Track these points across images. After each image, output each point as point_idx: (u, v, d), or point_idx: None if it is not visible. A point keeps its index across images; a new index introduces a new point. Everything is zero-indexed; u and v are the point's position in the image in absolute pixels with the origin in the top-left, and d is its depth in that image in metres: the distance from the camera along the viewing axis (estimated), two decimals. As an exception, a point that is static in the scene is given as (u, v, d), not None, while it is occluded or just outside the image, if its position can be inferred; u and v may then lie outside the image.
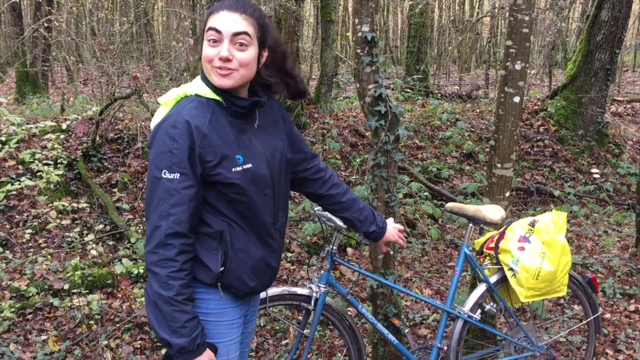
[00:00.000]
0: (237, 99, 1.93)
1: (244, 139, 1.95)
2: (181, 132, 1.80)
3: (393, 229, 2.58)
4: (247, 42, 1.88)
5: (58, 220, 5.23)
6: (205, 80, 1.94)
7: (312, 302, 2.67)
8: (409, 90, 11.22)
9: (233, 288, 1.98)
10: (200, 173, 1.84)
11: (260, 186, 1.96)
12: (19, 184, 4.97)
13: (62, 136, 6.56)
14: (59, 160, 5.96)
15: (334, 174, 2.42)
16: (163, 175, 1.80)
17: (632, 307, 4.37)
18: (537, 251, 2.85)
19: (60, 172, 5.39)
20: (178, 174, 1.80)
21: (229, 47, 1.86)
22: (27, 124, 6.21)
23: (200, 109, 1.88)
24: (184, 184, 1.80)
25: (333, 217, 2.58)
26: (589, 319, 3.23)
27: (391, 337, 2.88)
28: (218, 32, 1.85)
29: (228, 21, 1.86)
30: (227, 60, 1.85)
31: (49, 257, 4.81)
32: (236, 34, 1.86)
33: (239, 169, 1.89)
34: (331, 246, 2.69)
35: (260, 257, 2.01)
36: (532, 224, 2.93)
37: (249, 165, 1.92)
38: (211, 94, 1.92)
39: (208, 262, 1.91)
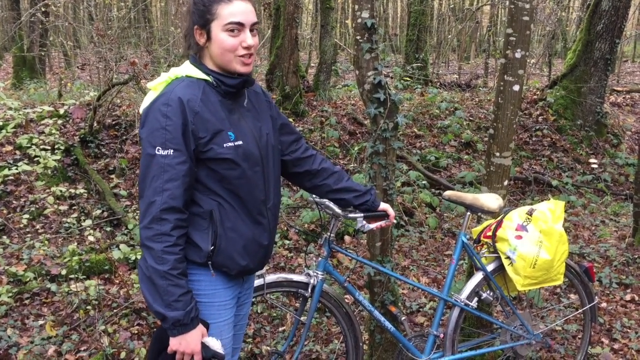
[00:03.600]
0: (227, 78, 1.99)
1: (234, 118, 2.01)
2: (174, 110, 1.85)
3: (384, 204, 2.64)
4: (257, 29, 2.01)
5: (55, 206, 5.22)
6: (196, 63, 2.00)
7: (309, 289, 2.68)
8: (408, 78, 11.19)
9: (224, 267, 2.01)
10: (193, 149, 1.88)
11: (251, 163, 2.01)
12: (16, 169, 4.96)
13: (59, 121, 6.54)
14: (56, 146, 5.94)
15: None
16: (157, 152, 1.83)
17: (628, 297, 4.39)
18: (534, 240, 2.86)
19: (58, 157, 5.38)
20: (172, 150, 1.84)
21: (250, 36, 1.96)
22: (25, 108, 6.18)
23: (191, 88, 1.93)
24: (178, 160, 1.84)
25: (331, 205, 2.59)
26: (584, 308, 3.25)
27: (388, 324, 2.89)
28: (240, 24, 1.94)
29: (246, 12, 1.95)
30: (251, 48, 1.96)
31: (46, 242, 4.81)
32: (254, 24, 1.97)
33: (230, 144, 1.94)
34: (329, 233, 2.69)
35: (251, 236, 2.05)
36: (530, 213, 2.93)
37: (240, 142, 1.97)
38: (202, 75, 1.98)
39: (199, 241, 1.95)
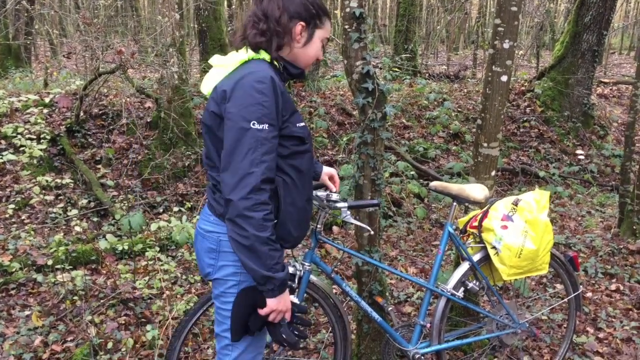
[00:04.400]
0: (292, 66, 2.15)
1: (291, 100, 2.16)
2: (268, 87, 1.93)
3: (327, 168, 2.74)
4: None
5: (41, 196, 5.18)
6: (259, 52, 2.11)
7: (296, 281, 2.68)
8: (396, 69, 11.18)
9: (282, 240, 2.09)
10: (279, 127, 2.00)
11: (309, 141, 2.16)
12: (1, 159, 4.91)
13: (45, 111, 6.47)
14: (42, 135, 5.89)
15: None
16: (252, 126, 1.90)
17: (613, 287, 4.43)
18: (519, 230, 2.87)
19: (43, 147, 5.33)
20: (267, 125, 1.92)
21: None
22: (10, 97, 6.11)
23: (272, 70, 2.04)
24: (273, 134, 1.94)
25: (317, 196, 2.59)
26: (569, 297, 3.28)
27: (375, 314, 2.90)
28: (327, 40, 2.18)
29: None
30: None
31: (32, 232, 4.77)
32: None
33: (302, 124, 2.10)
34: (316, 224, 2.69)
35: (304, 209, 2.17)
36: (515, 203, 2.94)
37: (303, 123, 2.12)
38: (267, 59, 2.10)
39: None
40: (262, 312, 2.00)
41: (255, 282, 1.97)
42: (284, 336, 2.08)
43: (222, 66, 2.08)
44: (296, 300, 2.11)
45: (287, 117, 2.02)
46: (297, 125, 2.06)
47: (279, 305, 1.99)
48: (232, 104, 1.93)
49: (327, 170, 2.71)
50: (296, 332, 2.14)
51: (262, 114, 1.91)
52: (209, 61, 2.17)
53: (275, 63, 2.10)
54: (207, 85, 2.11)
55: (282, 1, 2.07)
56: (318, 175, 2.67)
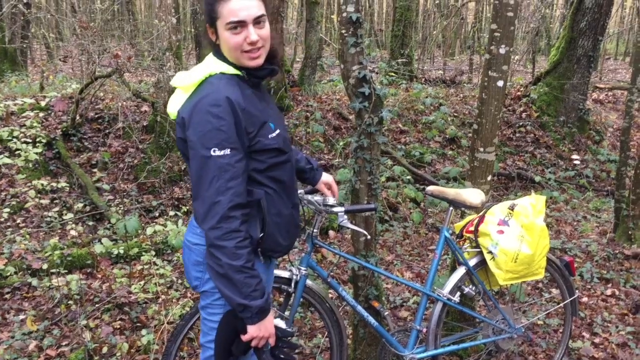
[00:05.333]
0: (256, 70, 2.02)
1: (265, 108, 2.06)
2: (225, 109, 1.86)
3: (326, 176, 2.71)
4: (263, 19, 1.97)
5: (37, 200, 5.16)
6: (222, 58, 2.01)
7: (292, 285, 2.68)
8: (393, 74, 11.20)
9: (270, 251, 2.10)
10: (247, 145, 1.93)
11: (288, 148, 2.09)
12: (-3, 162, 4.88)
13: (41, 114, 6.46)
14: (37, 139, 5.87)
15: None
16: (212, 153, 1.85)
17: (608, 292, 4.44)
18: (515, 234, 2.88)
19: (39, 150, 5.31)
20: (229, 150, 1.86)
21: (254, 31, 1.93)
22: (5, 101, 6.10)
23: (231, 85, 1.94)
24: (236, 158, 1.88)
25: (314, 200, 2.59)
26: (565, 302, 3.28)
27: (371, 319, 2.90)
28: (241, 22, 1.91)
29: (245, 7, 1.91)
30: (257, 42, 1.95)
31: (27, 236, 4.75)
32: (257, 18, 1.93)
33: (274, 134, 2.01)
34: (312, 229, 2.69)
35: (291, 217, 2.15)
36: (512, 208, 2.95)
37: (278, 131, 2.04)
38: (233, 70, 2.00)
39: (249, 230, 1.99)
40: (244, 338, 1.98)
41: (234, 309, 1.94)
42: None
43: (183, 88, 2.01)
44: (282, 325, 2.09)
45: (255, 132, 1.95)
46: (270, 136, 1.99)
47: (259, 332, 1.96)
48: (191, 132, 1.89)
49: (325, 178, 2.68)
50: (282, 356, 2.11)
51: (221, 139, 1.85)
52: (171, 82, 2.10)
53: (240, 73, 2.00)
54: (172, 109, 2.04)
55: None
56: (316, 182, 2.65)
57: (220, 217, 1.84)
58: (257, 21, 1.94)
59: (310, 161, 2.63)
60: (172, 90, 2.13)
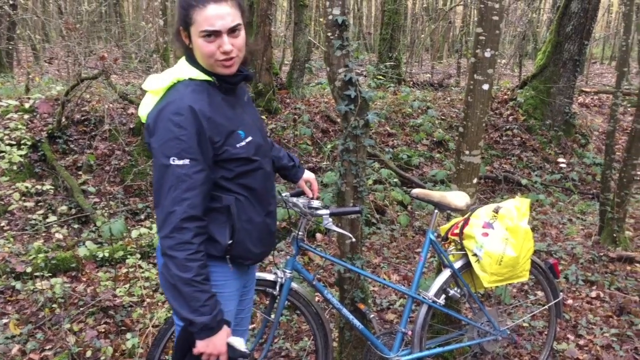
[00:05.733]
0: (228, 76, 1.98)
1: (238, 114, 2.03)
2: (187, 119, 1.83)
3: (308, 174, 2.71)
4: (239, 28, 1.94)
5: (21, 203, 5.11)
6: (194, 63, 1.97)
7: (277, 288, 2.67)
8: (381, 77, 11.24)
9: (240, 258, 2.07)
10: (211, 155, 1.89)
11: (261, 155, 2.06)
12: (-20, 165, 4.83)
13: (26, 116, 6.40)
14: (22, 141, 5.81)
15: None
16: (172, 162, 1.83)
17: (593, 294, 4.47)
18: (500, 237, 2.89)
19: (24, 152, 5.26)
20: (188, 160, 1.83)
21: (228, 40, 1.90)
22: (-11, 103, 6.03)
23: (198, 93, 1.91)
24: (195, 169, 1.84)
25: (299, 203, 2.59)
26: (550, 304, 3.30)
27: (356, 322, 2.90)
28: (216, 32, 1.87)
29: (222, 16, 1.87)
30: (230, 52, 1.91)
31: (11, 239, 4.70)
32: (232, 28, 1.90)
33: (242, 143, 1.97)
34: (297, 232, 2.68)
35: (264, 225, 2.12)
36: (496, 211, 2.96)
37: (250, 138, 2.00)
38: (203, 76, 1.96)
39: (217, 236, 1.99)
40: (193, 351, 1.95)
41: (181, 322, 1.91)
42: None
43: (153, 93, 1.98)
44: (238, 344, 2.00)
45: (221, 142, 1.91)
46: (238, 145, 1.96)
47: (207, 348, 1.92)
48: (154, 139, 1.87)
49: (306, 176, 2.68)
50: None
51: (181, 149, 1.82)
52: (142, 85, 2.07)
53: (210, 79, 1.97)
54: (142, 112, 2.01)
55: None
56: (298, 180, 2.65)
57: (173, 227, 1.83)
58: (232, 30, 1.90)
59: (292, 159, 2.63)
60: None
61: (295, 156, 2.71)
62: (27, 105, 6.61)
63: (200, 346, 1.92)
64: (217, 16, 1.86)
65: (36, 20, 12.13)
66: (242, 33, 1.96)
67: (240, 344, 2.01)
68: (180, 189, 1.83)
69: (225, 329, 1.95)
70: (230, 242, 2.01)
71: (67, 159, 6.27)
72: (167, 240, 1.83)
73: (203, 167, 1.87)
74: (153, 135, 1.88)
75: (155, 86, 1.96)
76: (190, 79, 1.95)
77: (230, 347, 1.98)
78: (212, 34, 1.88)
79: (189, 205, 1.83)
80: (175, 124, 1.83)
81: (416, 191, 3.03)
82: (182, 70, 1.97)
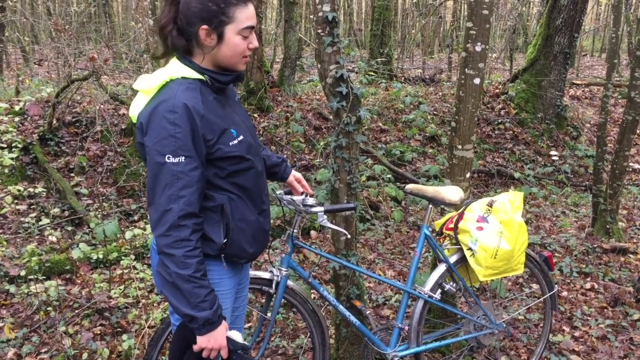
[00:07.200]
0: (220, 75, 2.00)
1: (228, 114, 2.04)
2: (181, 116, 1.84)
3: (295, 172, 2.72)
4: None
5: (14, 206, 5.08)
6: (188, 62, 1.98)
7: (273, 286, 2.67)
8: (372, 73, 11.24)
9: (235, 257, 2.08)
10: (204, 153, 1.90)
11: (253, 154, 2.07)
12: (-29, 169, 4.80)
13: (16, 119, 6.37)
14: (13, 144, 5.77)
15: None
16: (167, 160, 1.83)
17: (587, 285, 4.49)
18: (494, 231, 2.90)
19: (15, 155, 5.23)
20: (183, 157, 1.84)
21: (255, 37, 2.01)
22: (-21, 106, 5.99)
23: (191, 91, 1.91)
24: (191, 166, 1.85)
25: (293, 201, 2.58)
26: (545, 296, 3.31)
27: (353, 318, 2.90)
28: (252, 28, 1.98)
29: (254, 15, 1.99)
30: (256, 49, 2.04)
31: (4, 243, 4.68)
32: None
33: (235, 142, 1.98)
34: (292, 229, 2.68)
35: (258, 224, 2.13)
36: (490, 204, 2.97)
37: (242, 137, 2.01)
38: (196, 75, 1.97)
39: (212, 235, 2.00)
40: (194, 348, 1.96)
41: (182, 319, 1.92)
42: None
43: (144, 92, 1.97)
44: (236, 337, 2.03)
45: (214, 140, 1.92)
46: (230, 144, 1.96)
47: (208, 343, 1.93)
48: (148, 137, 1.87)
49: (295, 174, 2.69)
50: None
51: (176, 147, 1.83)
52: (133, 85, 2.06)
53: (202, 77, 1.97)
54: (133, 112, 2.00)
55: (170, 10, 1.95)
56: (287, 177, 2.65)
57: (170, 225, 1.83)
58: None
59: (280, 157, 2.64)
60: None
61: (283, 155, 2.73)
62: (17, 108, 6.57)
63: (202, 341, 1.93)
64: (253, 14, 1.98)
65: (25, 22, 12.05)
66: None
67: (238, 337, 2.03)
68: (176, 187, 1.83)
69: (224, 323, 1.97)
70: (225, 241, 2.02)
71: (59, 161, 6.24)
72: (163, 238, 1.83)
73: (198, 164, 1.87)
74: (146, 133, 1.87)
75: (146, 85, 1.95)
76: (184, 78, 1.94)
77: (230, 340, 2.00)
78: (250, 31, 1.97)
79: (185, 202, 1.84)
80: (170, 122, 1.83)
81: (410, 186, 3.03)
82: (175, 69, 1.97)
